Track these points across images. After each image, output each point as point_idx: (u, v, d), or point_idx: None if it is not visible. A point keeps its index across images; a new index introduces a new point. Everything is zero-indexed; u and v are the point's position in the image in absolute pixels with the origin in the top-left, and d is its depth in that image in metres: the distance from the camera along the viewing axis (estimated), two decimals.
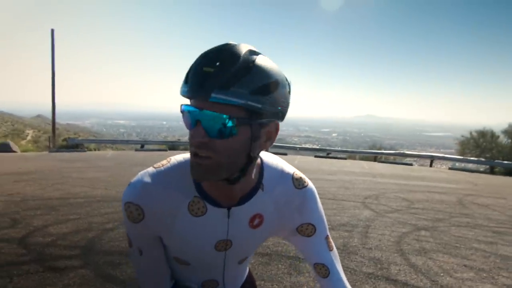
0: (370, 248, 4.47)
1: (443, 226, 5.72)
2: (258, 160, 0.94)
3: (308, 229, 1.00)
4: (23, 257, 3.75)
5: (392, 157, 20.54)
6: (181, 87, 0.76)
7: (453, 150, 31.34)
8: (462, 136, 24.11)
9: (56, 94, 21.71)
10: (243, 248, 1.01)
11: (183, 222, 0.90)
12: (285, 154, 19.74)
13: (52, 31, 21.51)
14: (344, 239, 4.77)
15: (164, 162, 0.91)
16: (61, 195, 6.83)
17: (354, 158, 21.08)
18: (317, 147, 25.82)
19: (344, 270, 3.66)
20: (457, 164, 18.63)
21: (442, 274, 3.78)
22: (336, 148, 23.76)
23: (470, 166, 18.45)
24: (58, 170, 10.42)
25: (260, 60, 0.76)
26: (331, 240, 1.05)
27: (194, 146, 0.76)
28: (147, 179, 0.87)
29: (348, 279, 3.52)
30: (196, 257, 0.98)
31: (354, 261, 4.03)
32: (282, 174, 0.97)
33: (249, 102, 0.72)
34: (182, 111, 0.78)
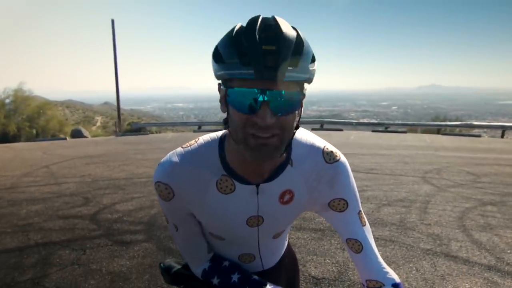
0: (429, 224, 4.29)
1: None
2: None
3: (340, 204, 0.99)
4: (94, 232, 4.12)
5: (457, 129, 19.16)
6: (236, 69, 0.73)
7: None
8: None
9: (120, 81, 22.98)
10: (275, 223, 1.03)
11: (212, 200, 0.93)
12: (341, 130, 19.28)
13: (112, 21, 22.58)
14: (401, 215, 4.62)
15: (192, 142, 0.94)
16: (127, 175, 7.33)
17: (415, 132, 20.00)
18: (375, 121, 24.84)
19: (400, 246, 3.57)
20: None
21: (509, 251, 3.54)
22: (396, 122, 22.68)
23: None
24: (124, 152, 11.15)
25: (299, 31, 0.77)
26: (363, 215, 1.02)
27: (261, 128, 0.75)
28: (175, 159, 0.91)
29: (403, 255, 3.43)
30: (229, 232, 1.01)
31: (411, 237, 3.91)
32: (312, 148, 0.96)
33: (310, 76, 0.77)
34: (232, 95, 0.76)
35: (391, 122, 22.30)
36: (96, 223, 4.41)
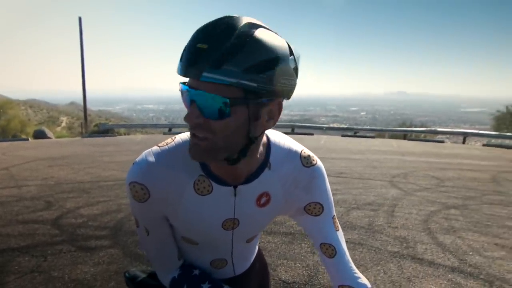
0: (396, 227, 4.40)
1: (474, 204, 5.53)
2: (265, 138, 0.92)
3: (316, 208, 0.99)
4: (56, 238, 3.93)
5: (422, 135, 19.90)
6: (178, 63, 0.73)
7: (488, 126, 30.05)
8: (498, 111, 22.98)
9: (87, 81, 22.28)
10: (251, 227, 1.01)
11: (189, 201, 0.89)
12: (311, 134, 19.56)
13: (80, 19, 21.91)
14: (369, 218, 4.71)
15: (169, 140, 0.90)
16: (92, 178, 7.08)
17: (383, 137, 20.59)
18: (345, 126, 25.39)
19: (369, 249, 3.62)
20: (492, 140, 17.84)
21: (471, 253, 3.68)
22: (364, 127, 23.25)
23: (507, 142, 17.61)
24: (90, 154, 10.79)
25: (258, 34, 0.71)
26: (337, 220, 1.02)
27: (190, 126, 0.74)
28: (152, 158, 0.86)
29: (372, 258, 3.48)
30: (203, 236, 0.98)
31: (379, 240, 3.98)
32: (289, 152, 0.95)
33: (242, 81, 0.68)
34: (180, 90, 0.76)
35: (360, 127, 22.85)
36: (58, 228, 4.21)
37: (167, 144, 0.89)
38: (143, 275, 1.14)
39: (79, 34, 21.61)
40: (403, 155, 11.39)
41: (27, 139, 17.68)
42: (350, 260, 1.00)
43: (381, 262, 3.44)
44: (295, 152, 0.95)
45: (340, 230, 1.02)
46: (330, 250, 0.98)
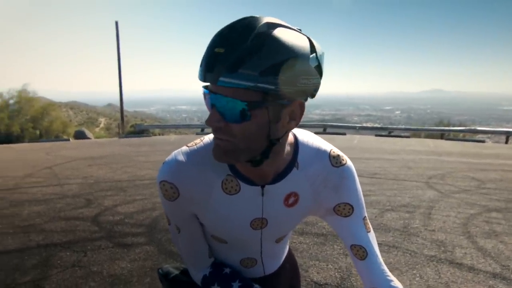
0: (433, 230, 4.25)
1: None
2: (292, 138, 0.92)
3: (345, 209, 0.97)
4: (95, 234, 4.11)
5: (461, 134, 19.10)
6: (198, 70, 0.74)
7: None
8: None
9: (124, 83, 23.08)
10: (279, 226, 1.01)
11: (217, 200, 0.91)
12: (344, 134, 19.26)
13: (116, 23, 22.70)
14: (404, 221, 4.58)
15: (198, 141, 0.92)
16: (129, 177, 7.32)
17: (419, 137, 19.95)
18: (378, 125, 24.79)
19: (404, 253, 3.52)
20: None
21: None
22: (399, 126, 22.61)
23: None
24: (127, 154, 11.16)
25: (276, 34, 0.70)
26: (368, 221, 1.00)
27: (212, 129, 0.77)
28: (181, 158, 0.88)
29: (407, 262, 3.39)
30: (232, 235, 0.99)
31: (415, 243, 3.86)
32: (318, 152, 0.94)
33: (260, 84, 0.68)
34: (203, 94, 0.78)
35: (395, 126, 22.24)
36: (97, 225, 4.39)
37: (195, 144, 0.91)
38: (176, 272, 1.17)
39: (116, 38, 22.39)
40: (440, 156, 10.99)
41: (69, 140, 18.55)
42: (383, 263, 0.97)
43: (417, 266, 3.33)
44: (324, 152, 0.94)
45: (372, 231, 1.00)
46: (361, 251, 0.96)
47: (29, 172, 7.93)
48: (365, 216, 1.00)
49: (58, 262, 3.40)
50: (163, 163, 0.91)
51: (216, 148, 0.79)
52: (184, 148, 0.91)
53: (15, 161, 9.83)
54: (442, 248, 3.74)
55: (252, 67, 0.67)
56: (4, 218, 4.67)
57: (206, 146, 0.90)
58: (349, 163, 0.97)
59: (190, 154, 0.89)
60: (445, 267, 3.33)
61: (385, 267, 0.97)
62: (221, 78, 0.68)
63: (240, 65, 0.67)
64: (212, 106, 0.74)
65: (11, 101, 23.15)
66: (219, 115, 0.74)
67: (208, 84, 0.74)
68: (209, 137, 0.92)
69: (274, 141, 0.79)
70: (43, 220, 4.59)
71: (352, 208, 0.97)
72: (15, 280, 3.06)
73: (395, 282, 0.95)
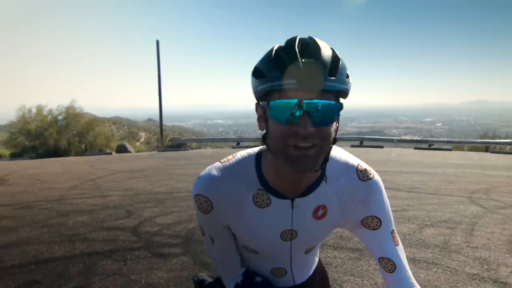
0: (476, 247, 4.06)
1: None
2: None
3: (373, 222, 0.99)
4: (135, 244, 4.27)
5: (508, 147, 18.07)
6: (277, 80, 0.77)
7: None
8: None
9: (163, 99, 23.89)
10: (308, 238, 1.04)
11: (248, 213, 0.96)
12: (382, 147, 18.78)
13: (157, 42, 23.63)
14: (445, 237, 4.40)
15: (230, 157, 0.98)
16: (167, 189, 7.54)
17: (462, 149, 19.09)
18: (418, 138, 23.96)
19: (444, 270, 3.41)
20: None
21: None
22: (440, 139, 21.75)
23: None
24: (165, 167, 11.50)
25: (333, 48, 0.82)
26: (396, 235, 1.01)
27: (302, 138, 0.77)
28: (215, 173, 0.94)
29: (447, 280, 3.27)
30: (263, 245, 1.03)
31: (456, 260, 3.71)
32: (346, 165, 0.97)
33: (347, 88, 0.80)
34: (274, 107, 0.79)
35: (435, 139, 21.43)
36: (136, 235, 4.56)
37: (228, 160, 0.97)
38: (210, 280, 1.22)
39: (157, 56, 23.28)
40: (484, 169, 10.46)
41: (111, 153, 19.35)
42: (411, 276, 0.97)
43: (458, 284, 3.19)
44: (352, 166, 0.97)
45: (400, 244, 1.01)
46: (389, 264, 0.97)
47: (75, 184, 8.37)
48: (393, 230, 1.01)
49: (100, 270, 3.57)
50: (198, 177, 0.97)
51: (302, 158, 0.79)
52: (218, 163, 0.97)
53: (62, 174, 10.39)
54: (486, 266, 3.56)
55: (343, 73, 0.79)
56: (52, 227, 4.95)
57: (238, 162, 0.96)
58: (377, 177, 0.99)
59: (223, 169, 0.95)
60: (489, 286, 3.17)
61: (414, 280, 0.97)
62: (327, 83, 0.76)
63: (336, 71, 0.78)
64: (301, 114, 0.76)
65: (60, 117, 24.55)
66: (311, 121, 0.77)
67: (272, 99, 0.80)
68: (241, 154, 0.98)
69: (334, 142, 0.87)
70: (87, 229, 4.83)
71: (380, 221, 0.98)
72: (60, 286, 3.24)
73: None
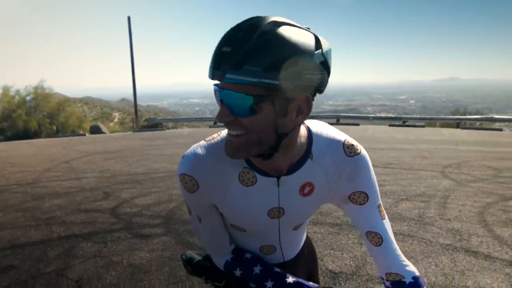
0: (449, 219, 4.23)
1: None
2: (305, 130, 0.94)
3: (360, 197, 0.99)
4: (114, 225, 4.22)
5: (478, 123, 18.74)
6: (209, 68, 0.77)
7: None
8: None
9: (136, 78, 23.27)
10: (296, 215, 1.04)
11: (234, 192, 0.94)
12: (357, 125, 19.11)
13: (129, 18, 22.83)
14: (419, 210, 4.57)
15: (215, 135, 0.96)
16: (144, 170, 7.45)
17: (434, 126, 19.65)
18: (392, 115, 24.49)
19: (419, 241, 3.54)
20: None
21: None
22: (413, 116, 22.31)
23: None
24: (141, 148, 11.32)
25: (280, 32, 0.73)
26: (383, 209, 1.02)
27: (224, 124, 0.80)
28: (200, 151, 0.92)
29: (422, 250, 3.40)
30: (250, 224, 1.02)
31: (430, 232, 3.86)
32: (332, 142, 0.96)
33: (264, 80, 0.71)
34: (214, 90, 0.81)
35: (409, 116, 21.97)
36: (116, 217, 4.50)
37: (213, 139, 0.95)
38: (198, 258, 1.21)
39: (129, 33, 22.53)
40: (456, 145, 10.84)
41: (84, 134, 18.87)
42: (398, 248, 0.99)
43: (432, 255, 3.34)
44: (338, 142, 0.96)
45: (387, 218, 1.02)
46: (376, 238, 0.98)
47: (48, 167, 8.14)
48: (380, 204, 1.02)
49: (80, 252, 3.52)
50: (182, 156, 0.94)
51: (228, 144, 0.83)
52: (202, 142, 0.95)
53: (34, 156, 10.07)
54: (458, 237, 3.73)
55: (256, 63, 0.71)
56: (27, 211, 4.82)
57: (223, 140, 0.93)
58: (364, 152, 0.98)
59: (208, 148, 0.93)
60: (461, 255, 3.33)
61: (400, 252, 0.99)
62: (227, 75, 0.72)
63: (244, 62, 0.71)
64: (221, 102, 0.79)
65: (28, 98, 23.61)
66: (228, 110, 0.78)
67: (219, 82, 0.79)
68: (225, 132, 0.95)
69: (283, 135, 0.82)
70: (64, 212, 4.73)
71: (367, 196, 0.99)
72: (40, 270, 3.18)
73: (410, 266, 0.97)
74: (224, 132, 0.95)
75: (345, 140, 0.97)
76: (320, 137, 0.95)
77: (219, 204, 0.98)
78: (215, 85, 0.79)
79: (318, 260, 3.41)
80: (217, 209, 1.02)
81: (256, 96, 0.74)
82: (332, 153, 0.95)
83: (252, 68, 0.71)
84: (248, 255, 1.09)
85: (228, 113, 0.77)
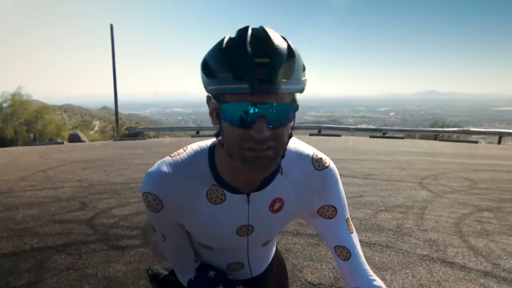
0: (426, 230, 4.30)
1: (509, 207, 5.31)
2: None
3: (329, 211, 0.98)
4: (90, 237, 4.10)
5: (455, 135, 19.25)
6: (229, 84, 0.71)
7: None
8: None
9: (118, 86, 23.03)
10: (265, 232, 1.02)
11: (202, 210, 0.91)
12: (339, 136, 19.33)
13: (111, 26, 22.64)
14: (397, 221, 4.62)
15: (180, 151, 0.92)
16: (124, 180, 7.31)
17: (413, 138, 20.06)
18: (373, 127, 24.91)
19: (397, 252, 3.57)
20: None
21: (505, 257, 3.55)
22: (393, 128, 22.74)
23: None
24: (121, 157, 11.13)
25: (288, 40, 0.76)
26: (351, 222, 1.02)
27: (258, 142, 0.74)
28: (164, 169, 0.87)
29: (400, 261, 3.43)
30: (218, 242, 0.99)
31: (408, 242, 3.91)
32: (301, 156, 0.95)
33: (303, 86, 0.76)
34: (227, 110, 0.74)
35: (389, 128, 22.37)
36: (92, 228, 4.39)
37: (179, 154, 0.90)
38: (165, 272, 1.19)
39: (111, 40, 22.33)
40: (434, 156, 11.08)
41: (63, 143, 18.45)
42: (365, 263, 0.99)
43: (409, 266, 3.37)
44: (307, 155, 0.95)
45: (355, 232, 1.02)
46: (344, 252, 0.97)
47: (23, 176, 7.90)
48: (348, 218, 1.01)
49: (53, 265, 3.40)
50: (146, 174, 0.90)
51: (259, 161, 0.76)
52: (167, 158, 0.90)
53: (8, 165, 9.77)
54: (435, 248, 3.78)
55: (297, 70, 0.74)
56: None
57: (190, 156, 0.90)
58: (332, 165, 0.98)
59: (173, 165, 0.88)
60: (437, 266, 3.37)
61: (367, 267, 0.99)
62: (283, 86, 0.71)
63: (292, 70, 0.72)
64: (258, 117, 0.72)
65: (5, 104, 23.01)
66: (267, 124, 0.73)
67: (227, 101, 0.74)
68: (192, 147, 0.92)
69: (290, 139, 0.84)
70: (38, 223, 4.58)
71: (336, 210, 0.99)
72: (10, 284, 3.05)
73: (378, 281, 0.97)
74: (190, 147, 0.92)
75: (313, 154, 0.96)
76: (289, 151, 0.94)
77: (186, 223, 0.95)
78: (241, 103, 0.72)
79: (297, 272, 3.41)
80: (183, 228, 0.98)
81: (295, 103, 0.78)
82: (302, 167, 0.95)
83: (296, 76, 0.74)
84: (211, 274, 1.06)
85: (267, 127, 0.73)
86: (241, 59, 0.69)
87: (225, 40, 0.74)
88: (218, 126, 0.80)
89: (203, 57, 0.78)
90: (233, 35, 0.75)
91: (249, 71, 0.69)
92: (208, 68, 0.75)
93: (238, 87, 0.70)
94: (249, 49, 0.70)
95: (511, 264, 3.39)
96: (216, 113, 0.79)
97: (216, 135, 0.83)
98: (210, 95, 0.80)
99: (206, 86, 0.77)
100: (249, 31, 0.73)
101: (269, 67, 0.69)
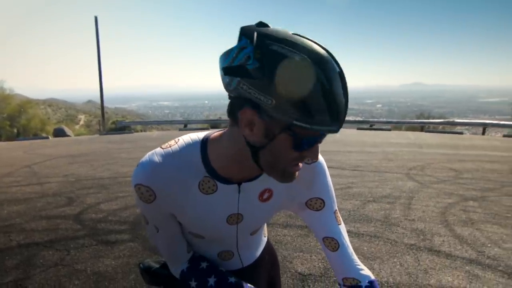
0: (413, 220, 4.37)
1: (493, 196, 5.44)
2: None
3: (317, 203, 1.01)
4: (78, 232, 4.06)
5: (440, 126, 19.58)
6: (325, 125, 0.72)
7: (509, 117, 29.30)
8: None
9: (104, 80, 22.69)
10: (254, 220, 1.04)
11: (194, 201, 0.92)
12: None
13: (96, 18, 22.25)
14: (385, 211, 4.69)
15: (172, 142, 0.91)
16: (111, 174, 7.24)
17: (400, 129, 20.35)
18: (360, 119, 25.12)
19: (385, 242, 3.62)
20: None
21: (489, 245, 3.64)
22: (380, 119, 22.98)
23: None
24: (108, 151, 11.01)
25: None
26: (339, 214, 1.05)
27: (314, 158, 0.81)
28: (156, 160, 0.86)
29: (388, 251, 3.48)
30: (209, 231, 1.00)
31: (396, 232, 3.97)
32: None
33: None
34: (305, 143, 0.77)
35: (376, 119, 22.59)
36: (80, 223, 4.34)
37: (170, 146, 0.89)
38: (156, 265, 1.19)
39: (95, 33, 21.95)
40: (420, 147, 11.25)
41: (48, 137, 18.14)
42: (353, 253, 1.02)
43: (397, 255, 3.43)
44: None
45: (343, 224, 1.05)
46: (332, 243, 1.00)
47: (8, 171, 7.75)
48: (336, 210, 1.04)
49: (41, 261, 3.36)
50: (138, 165, 0.89)
51: (295, 174, 0.83)
52: (159, 149, 0.89)
53: None
54: (421, 237, 3.85)
55: None
56: None
57: (181, 148, 0.89)
58: (321, 158, 0.99)
59: (165, 156, 0.87)
60: (424, 254, 3.44)
61: (355, 257, 1.02)
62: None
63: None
64: (319, 141, 0.79)
65: None
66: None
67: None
68: (183, 139, 0.92)
69: None
70: (24, 219, 4.51)
71: (324, 202, 1.02)
72: None
73: (365, 270, 1.01)
74: (181, 139, 0.92)
75: None
76: None
77: (178, 213, 0.95)
78: (316, 137, 0.77)
79: (287, 263, 3.43)
80: (175, 218, 0.98)
81: None
82: None
83: None
84: (204, 265, 1.07)
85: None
86: (340, 103, 0.72)
87: (324, 79, 0.70)
88: (254, 137, 0.77)
89: (299, 91, 0.69)
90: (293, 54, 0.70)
91: (343, 114, 0.74)
92: (307, 107, 0.69)
93: (330, 129, 0.73)
94: (342, 91, 0.72)
95: (495, 252, 3.48)
96: (264, 130, 0.75)
97: (255, 148, 0.79)
98: (277, 117, 0.72)
99: (289, 116, 0.70)
100: (337, 68, 0.72)
101: (347, 107, 0.75)
